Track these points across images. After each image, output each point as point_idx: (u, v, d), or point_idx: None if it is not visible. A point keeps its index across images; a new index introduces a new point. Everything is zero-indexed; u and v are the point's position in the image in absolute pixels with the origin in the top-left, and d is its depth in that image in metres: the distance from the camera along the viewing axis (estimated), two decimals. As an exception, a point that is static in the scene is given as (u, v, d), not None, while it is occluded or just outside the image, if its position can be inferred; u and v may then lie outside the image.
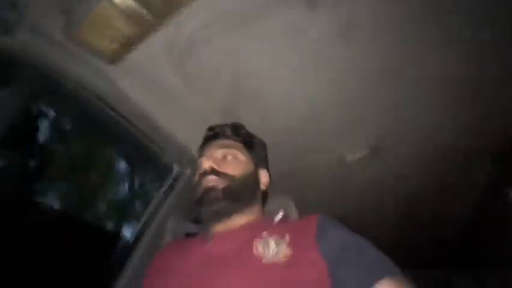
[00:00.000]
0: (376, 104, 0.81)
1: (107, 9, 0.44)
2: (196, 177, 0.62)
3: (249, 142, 0.70)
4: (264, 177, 0.69)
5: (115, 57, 0.55)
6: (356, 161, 1.00)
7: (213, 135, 0.69)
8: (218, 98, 0.74)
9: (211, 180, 0.59)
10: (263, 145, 0.74)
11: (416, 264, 1.70)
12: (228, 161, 0.64)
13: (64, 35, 0.50)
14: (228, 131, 0.68)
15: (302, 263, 0.47)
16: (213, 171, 0.60)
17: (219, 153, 0.65)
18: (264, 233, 0.52)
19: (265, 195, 0.69)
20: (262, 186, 0.68)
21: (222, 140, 0.67)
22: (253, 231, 0.54)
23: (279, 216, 0.59)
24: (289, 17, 0.58)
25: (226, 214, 0.58)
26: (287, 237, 0.50)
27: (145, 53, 0.58)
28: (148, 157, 0.83)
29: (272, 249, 0.49)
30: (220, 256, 0.52)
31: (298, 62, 0.67)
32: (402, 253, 1.62)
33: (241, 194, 0.60)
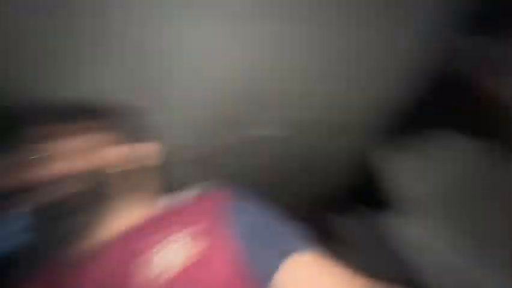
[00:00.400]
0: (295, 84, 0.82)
1: None
2: None
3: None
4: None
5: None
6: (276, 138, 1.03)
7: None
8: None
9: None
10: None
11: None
12: None
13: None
14: None
15: (216, 255, 0.40)
16: None
17: None
18: (161, 236, 0.41)
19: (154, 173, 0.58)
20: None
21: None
22: (146, 235, 0.42)
23: (182, 198, 0.50)
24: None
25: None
26: (196, 227, 0.42)
27: None
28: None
29: (172, 256, 0.39)
30: None
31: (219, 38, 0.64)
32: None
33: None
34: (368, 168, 1.20)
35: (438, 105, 0.97)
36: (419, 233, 1.01)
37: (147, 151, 0.53)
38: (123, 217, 0.46)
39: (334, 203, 1.52)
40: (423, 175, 0.99)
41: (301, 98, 0.86)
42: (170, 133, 0.84)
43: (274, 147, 1.05)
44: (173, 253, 0.39)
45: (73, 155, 0.43)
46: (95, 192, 0.44)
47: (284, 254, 0.40)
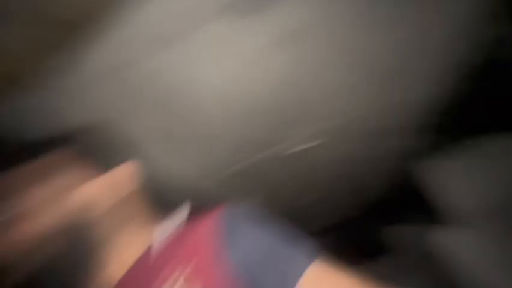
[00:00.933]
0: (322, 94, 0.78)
1: None
2: None
3: None
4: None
5: None
6: (299, 152, 1.00)
7: None
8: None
9: None
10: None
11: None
12: None
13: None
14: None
15: None
16: None
17: None
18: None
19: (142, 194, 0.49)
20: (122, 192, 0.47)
21: None
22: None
23: (161, 238, 0.42)
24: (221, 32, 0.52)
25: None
26: (187, 270, 0.36)
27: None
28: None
29: None
30: None
31: (234, 72, 0.62)
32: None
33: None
34: (413, 177, 1.10)
35: (487, 103, 0.83)
36: (466, 247, 0.91)
37: (127, 175, 0.45)
38: (122, 255, 0.41)
39: (379, 212, 1.44)
40: (472, 186, 0.87)
41: (339, 106, 0.82)
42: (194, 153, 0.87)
43: (316, 157, 1.01)
44: None
45: (46, 206, 0.36)
46: (82, 243, 0.37)
47: (294, 279, 0.37)
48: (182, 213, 0.45)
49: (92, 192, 0.40)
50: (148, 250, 0.41)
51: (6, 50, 0.37)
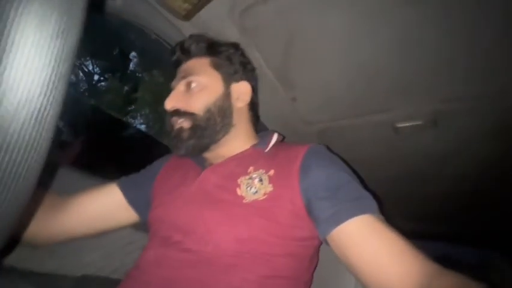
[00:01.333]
0: (439, 70, 0.75)
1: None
2: (167, 118, 0.60)
3: (214, 53, 0.63)
4: (240, 90, 0.63)
5: (187, 15, 0.69)
6: (408, 128, 0.97)
7: (176, 60, 0.64)
8: (273, 54, 0.77)
9: (176, 122, 0.58)
10: (234, 51, 0.65)
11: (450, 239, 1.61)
12: (192, 92, 0.59)
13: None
14: (189, 49, 0.62)
15: (280, 198, 0.49)
16: (176, 112, 0.58)
17: (182, 84, 0.60)
18: (250, 168, 0.54)
19: (254, 111, 0.66)
20: (240, 103, 0.62)
21: (184, 64, 0.62)
22: (240, 166, 0.56)
23: (272, 143, 0.60)
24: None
25: (201, 149, 0.59)
26: (272, 172, 0.52)
27: (212, 11, 0.69)
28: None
29: (254, 187, 0.51)
30: (209, 191, 0.54)
31: (356, 25, 0.65)
32: (442, 227, 1.55)
33: (207, 129, 0.57)
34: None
35: None
36: None
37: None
38: (226, 144, 0.61)
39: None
40: None
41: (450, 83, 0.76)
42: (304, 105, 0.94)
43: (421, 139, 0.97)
44: (251, 187, 0.51)
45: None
46: (225, 117, 0.60)
47: (346, 215, 0.45)
48: (275, 137, 0.62)
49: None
50: (248, 150, 0.60)
51: None
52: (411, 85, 0.80)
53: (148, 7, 0.64)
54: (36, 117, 0.16)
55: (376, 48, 0.71)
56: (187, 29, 0.71)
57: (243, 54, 0.66)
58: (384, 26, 0.64)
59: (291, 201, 0.49)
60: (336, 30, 0.68)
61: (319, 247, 0.56)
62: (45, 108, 0.16)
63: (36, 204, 0.52)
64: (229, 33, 0.72)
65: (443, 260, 0.40)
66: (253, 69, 0.67)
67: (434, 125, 0.93)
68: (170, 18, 0.67)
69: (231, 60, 0.63)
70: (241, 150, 0.60)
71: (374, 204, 0.48)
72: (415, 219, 1.59)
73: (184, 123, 0.57)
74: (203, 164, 0.61)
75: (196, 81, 0.59)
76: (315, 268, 0.56)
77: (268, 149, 0.59)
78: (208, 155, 0.61)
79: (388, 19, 0.62)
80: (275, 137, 0.61)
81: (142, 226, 0.80)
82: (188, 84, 0.59)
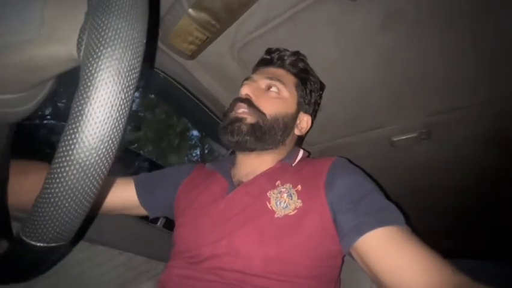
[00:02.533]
0: (425, 84, 0.80)
1: (187, 22, 0.66)
2: (232, 102, 0.60)
3: (303, 79, 0.64)
4: (303, 121, 0.65)
5: (193, 55, 0.78)
6: (404, 141, 1.01)
7: (269, 59, 0.65)
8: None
9: (242, 110, 0.57)
10: (318, 87, 0.68)
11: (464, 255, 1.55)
12: (269, 95, 0.60)
13: (161, 41, 0.73)
14: (286, 60, 0.64)
15: (310, 213, 0.49)
16: (247, 101, 0.58)
17: (264, 82, 0.61)
18: (278, 182, 0.54)
19: (300, 141, 0.68)
20: (298, 131, 0.65)
21: (274, 68, 0.63)
22: (269, 180, 0.56)
23: (298, 158, 0.61)
24: (331, 11, 0.62)
25: (247, 148, 0.58)
26: (299, 187, 0.53)
27: (214, 50, 0.78)
28: (214, 130, 1.06)
29: (284, 202, 0.51)
30: (239, 209, 0.53)
31: (343, 50, 0.71)
32: (451, 243, 1.51)
33: (267, 134, 0.57)
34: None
35: None
36: None
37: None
38: (266, 155, 0.62)
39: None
40: None
41: (447, 93, 0.81)
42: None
43: (419, 150, 1.01)
44: (281, 203, 0.51)
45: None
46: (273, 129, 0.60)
47: (370, 226, 0.44)
48: (301, 153, 0.64)
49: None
50: (275, 165, 0.61)
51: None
52: (400, 100, 0.86)
53: (156, 49, 0.73)
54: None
55: (363, 70, 0.78)
56: (192, 66, 0.80)
57: (320, 96, 0.70)
58: (368, 50, 0.70)
59: (320, 215, 0.49)
60: (326, 57, 0.75)
61: (341, 267, 0.55)
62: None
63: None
64: (229, 67, 0.81)
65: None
66: (317, 111, 0.71)
67: (428, 136, 0.98)
68: (176, 58, 0.76)
69: (312, 93, 0.66)
70: (271, 165, 0.61)
71: (398, 215, 0.46)
72: (423, 236, 1.56)
73: (249, 117, 0.57)
74: (230, 180, 0.61)
75: (279, 89, 0.60)
76: None
77: (295, 163, 0.60)
78: (242, 163, 0.62)
79: (370, 44, 0.68)
80: (301, 153, 0.63)
81: (154, 255, 0.82)
82: (269, 86, 0.60)
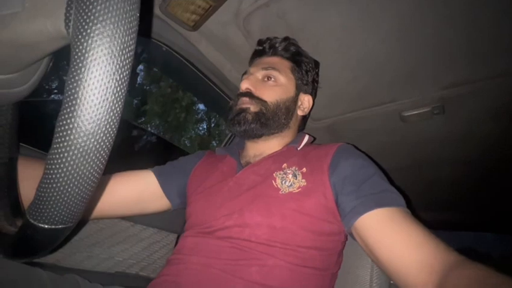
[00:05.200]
0: (441, 56, 0.77)
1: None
2: (235, 97, 0.64)
3: (298, 61, 0.67)
4: (305, 102, 0.68)
5: (195, 26, 0.74)
6: (416, 116, 0.98)
7: (261, 50, 0.68)
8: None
9: (245, 102, 0.61)
10: (313, 67, 0.70)
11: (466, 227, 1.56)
12: (268, 84, 0.63)
13: (160, 10, 0.69)
14: (277, 47, 0.67)
15: (313, 192, 0.52)
16: (248, 94, 0.61)
17: (260, 73, 0.64)
18: (284, 165, 0.57)
19: (304, 120, 0.71)
20: (300, 112, 0.68)
21: (268, 57, 0.67)
22: (276, 162, 0.59)
23: (304, 143, 0.64)
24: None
25: (255, 135, 0.63)
26: (304, 169, 0.55)
27: (217, 20, 0.74)
28: (220, 104, 1.05)
29: (289, 181, 0.54)
30: (247, 187, 0.57)
31: (356, 19, 0.67)
32: (453, 215, 1.53)
33: (271, 120, 0.61)
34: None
35: None
36: None
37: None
38: (273, 139, 0.65)
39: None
40: None
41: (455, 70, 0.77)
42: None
43: (429, 126, 0.99)
44: (286, 182, 0.55)
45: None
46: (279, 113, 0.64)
47: (369, 206, 0.47)
48: (306, 137, 0.66)
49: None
50: (282, 148, 0.64)
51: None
52: (414, 74, 0.82)
53: (156, 20, 0.69)
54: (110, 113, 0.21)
55: (376, 41, 0.73)
56: (195, 37, 0.76)
57: (317, 73, 0.72)
58: (382, 18, 0.66)
59: (323, 195, 0.52)
60: (336, 27, 0.71)
61: (345, 243, 0.58)
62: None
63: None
64: (234, 38, 0.77)
65: (468, 252, 0.39)
66: (317, 88, 0.73)
67: (441, 111, 0.94)
68: (178, 29, 0.72)
69: (308, 73, 0.68)
70: (277, 149, 0.64)
71: (398, 198, 0.48)
72: (430, 209, 1.58)
73: (252, 106, 0.61)
74: (239, 161, 0.65)
75: (276, 77, 0.64)
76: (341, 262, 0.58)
77: (300, 147, 0.63)
78: (250, 148, 0.66)
79: (385, 12, 0.64)
80: (307, 138, 0.66)
81: (165, 227, 0.85)
82: (267, 76, 0.64)
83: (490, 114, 0.92)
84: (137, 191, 0.65)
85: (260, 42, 0.68)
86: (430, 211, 1.63)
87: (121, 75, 0.20)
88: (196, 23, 0.68)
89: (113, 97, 0.20)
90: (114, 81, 0.20)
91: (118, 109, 0.21)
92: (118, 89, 0.20)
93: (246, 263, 0.49)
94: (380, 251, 0.45)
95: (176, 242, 0.85)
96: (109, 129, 0.21)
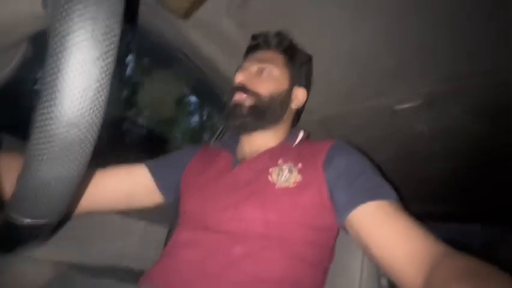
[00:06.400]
0: (433, 52, 0.77)
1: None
2: (229, 91, 0.65)
3: (291, 55, 0.68)
4: (299, 95, 0.69)
5: (186, 14, 0.71)
6: (405, 110, 0.99)
7: (255, 45, 0.69)
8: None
9: (239, 96, 0.61)
10: (306, 61, 0.72)
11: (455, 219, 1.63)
12: (262, 77, 0.64)
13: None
14: (271, 42, 0.68)
15: (308, 187, 0.53)
16: (243, 88, 0.62)
17: (254, 67, 0.65)
18: (280, 161, 0.58)
19: (298, 114, 0.72)
20: (294, 105, 0.69)
21: (261, 53, 0.67)
22: (271, 158, 0.59)
23: (299, 139, 0.65)
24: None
25: (250, 129, 0.63)
26: (300, 164, 0.56)
27: (209, 9, 0.72)
28: (212, 96, 1.02)
29: (284, 176, 0.55)
30: (243, 182, 0.58)
31: (346, 14, 0.67)
32: (442, 207, 1.58)
33: (266, 113, 0.62)
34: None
35: None
36: None
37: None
38: (268, 134, 0.65)
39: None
40: None
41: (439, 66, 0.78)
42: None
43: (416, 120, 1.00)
44: (282, 176, 0.55)
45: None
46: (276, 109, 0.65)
47: (362, 199, 0.48)
48: (301, 134, 0.66)
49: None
50: (278, 145, 0.65)
51: None
52: (404, 68, 0.83)
53: (145, 6, 0.66)
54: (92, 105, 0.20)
55: (366, 35, 0.74)
56: (186, 27, 0.74)
57: (310, 67, 0.73)
58: (377, 13, 0.66)
59: (318, 190, 0.52)
60: (329, 21, 0.70)
61: (336, 238, 0.59)
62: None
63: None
64: (227, 29, 0.75)
65: (451, 243, 0.40)
66: (311, 82, 0.74)
67: (430, 105, 0.95)
68: (169, 16, 0.70)
69: (301, 67, 0.70)
70: (273, 145, 0.65)
71: (391, 192, 0.50)
72: (419, 201, 1.62)
73: (247, 100, 0.61)
74: (235, 157, 0.65)
75: (270, 70, 0.64)
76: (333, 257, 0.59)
77: (295, 144, 0.64)
78: (245, 143, 0.66)
79: (375, 9, 0.65)
80: (302, 134, 0.66)
81: (156, 220, 0.84)
82: (261, 70, 0.64)
83: (475, 110, 0.94)
84: (129, 185, 0.64)
85: (254, 37, 0.69)
86: (417, 203, 1.67)
87: (105, 61, 0.19)
88: (187, 10, 0.66)
89: (97, 85, 0.19)
90: (98, 67, 0.18)
91: (102, 98, 0.20)
92: (103, 76, 0.19)
93: (241, 257, 0.49)
94: (372, 244, 0.46)
95: (168, 236, 0.84)
96: (94, 120, 0.20)
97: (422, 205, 1.76)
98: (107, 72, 0.19)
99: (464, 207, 1.64)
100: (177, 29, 0.74)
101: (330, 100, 0.97)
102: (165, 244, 0.83)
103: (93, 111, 0.20)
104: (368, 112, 1.05)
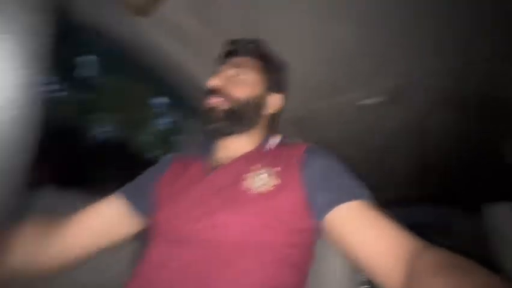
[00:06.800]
0: (395, 51, 0.80)
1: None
2: (204, 94, 0.63)
3: (267, 61, 0.69)
4: (274, 101, 0.69)
5: (146, 10, 0.66)
6: (370, 106, 1.03)
7: (232, 51, 0.69)
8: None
9: (215, 100, 0.61)
10: (281, 68, 0.73)
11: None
12: (238, 81, 0.64)
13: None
14: (248, 47, 0.68)
15: (286, 190, 0.52)
16: (217, 91, 0.61)
17: (231, 72, 0.65)
18: (257, 165, 0.57)
19: (274, 119, 0.71)
20: (270, 110, 0.69)
21: (239, 58, 0.67)
22: (247, 164, 0.59)
23: (274, 143, 0.65)
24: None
25: (225, 133, 0.63)
26: (277, 168, 0.56)
27: (171, 4, 0.67)
28: (180, 97, 0.97)
29: (259, 181, 0.54)
30: (218, 189, 0.56)
31: (317, 14, 0.68)
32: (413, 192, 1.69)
33: (241, 116, 0.62)
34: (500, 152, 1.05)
35: None
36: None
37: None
38: (243, 138, 0.65)
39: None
40: None
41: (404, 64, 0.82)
42: None
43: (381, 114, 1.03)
44: (259, 181, 0.55)
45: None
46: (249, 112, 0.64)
47: (339, 200, 0.49)
48: (277, 138, 0.66)
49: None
50: (253, 150, 0.64)
51: None
52: (368, 66, 0.86)
53: (101, 5, 0.60)
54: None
55: (330, 36, 0.75)
56: (146, 24, 0.69)
57: (285, 74, 0.73)
58: (345, 13, 0.67)
59: (295, 193, 0.52)
60: (295, 24, 0.71)
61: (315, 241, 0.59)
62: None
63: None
64: (189, 25, 0.71)
65: (415, 227, 0.42)
66: (286, 88, 0.74)
67: (393, 100, 1.00)
68: (127, 14, 0.64)
69: (277, 73, 0.70)
70: (249, 149, 0.64)
71: (365, 192, 0.51)
72: (383, 188, 1.71)
73: (223, 104, 0.61)
74: (209, 163, 0.64)
75: (246, 75, 0.64)
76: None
77: (272, 147, 0.64)
78: (221, 148, 0.65)
79: (348, 6, 0.65)
80: (277, 137, 0.67)
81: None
82: (236, 73, 0.64)
83: (436, 104, 1.00)
84: (104, 220, 0.61)
85: (232, 42, 0.69)
86: (381, 191, 1.76)
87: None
88: (146, 7, 0.61)
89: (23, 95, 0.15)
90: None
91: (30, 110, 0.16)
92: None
93: (220, 269, 0.47)
94: (349, 244, 0.47)
95: (139, 251, 0.78)
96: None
97: (385, 192, 1.86)
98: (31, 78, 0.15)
99: (424, 192, 1.77)
100: (135, 27, 0.68)
101: (299, 97, 0.97)
102: (136, 260, 0.77)
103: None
104: (335, 109, 1.08)
